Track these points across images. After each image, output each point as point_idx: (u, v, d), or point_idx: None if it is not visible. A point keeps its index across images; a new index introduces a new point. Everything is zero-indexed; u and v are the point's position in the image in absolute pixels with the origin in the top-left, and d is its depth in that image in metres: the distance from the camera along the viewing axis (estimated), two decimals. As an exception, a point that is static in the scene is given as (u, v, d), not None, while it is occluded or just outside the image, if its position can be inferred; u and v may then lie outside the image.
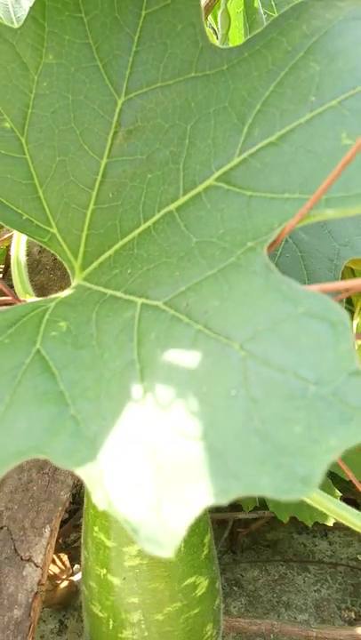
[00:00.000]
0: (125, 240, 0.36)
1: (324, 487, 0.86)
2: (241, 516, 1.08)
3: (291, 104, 0.31)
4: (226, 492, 0.21)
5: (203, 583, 0.55)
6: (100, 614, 0.55)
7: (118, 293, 0.33)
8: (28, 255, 0.48)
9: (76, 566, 0.98)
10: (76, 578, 0.96)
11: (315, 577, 1.07)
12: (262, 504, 0.98)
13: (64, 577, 0.95)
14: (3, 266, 0.83)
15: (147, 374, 0.27)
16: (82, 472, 0.24)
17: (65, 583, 0.94)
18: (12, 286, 0.45)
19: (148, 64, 0.35)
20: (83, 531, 0.58)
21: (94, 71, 0.35)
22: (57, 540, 0.76)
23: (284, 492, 0.21)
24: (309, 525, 0.91)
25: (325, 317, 0.24)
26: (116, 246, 0.36)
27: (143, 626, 0.53)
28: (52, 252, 0.38)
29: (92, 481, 0.24)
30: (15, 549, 0.57)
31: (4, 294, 0.43)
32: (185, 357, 0.26)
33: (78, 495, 1.06)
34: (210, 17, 0.76)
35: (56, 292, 0.46)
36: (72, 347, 0.30)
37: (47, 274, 0.71)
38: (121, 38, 0.35)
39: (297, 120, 0.31)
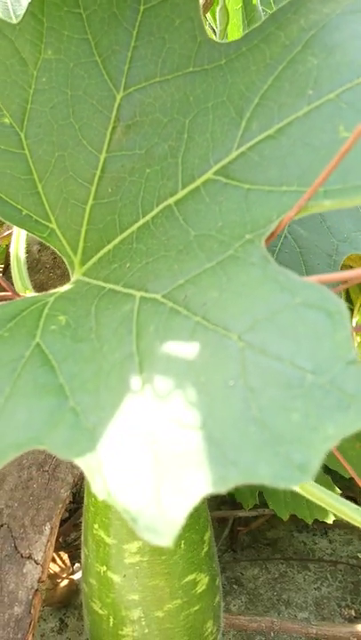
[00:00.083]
0: (124, 234, 0.36)
1: (324, 485, 0.86)
2: (241, 514, 1.08)
3: (289, 97, 0.31)
4: (224, 481, 0.21)
5: (203, 580, 0.55)
6: (101, 612, 0.55)
7: (117, 287, 0.33)
8: (27, 254, 0.48)
9: (77, 565, 0.98)
10: (77, 576, 0.96)
11: (315, 575, 1.07)
12: (262, 502, 0.98)
13: (64, 576, 0.94)
14: (2, 265, 0.83)
15: (145, 366, 0.27)
16: (81, 462, 0.24)
17: (65, 582, 0.94)
18: (11, 283, 0.45)
19: (146, 59, 0.35)
20: (83, 528, 0.57)
21: (93, 66, 0.36)
22: (57, 539, 0.76)
23: (281, 480, 0.21)
24: (309, 523, 0.91)
25: (322, 307, 0.24)
26: (116, 241, 0.36)
27: (143, 623, 0.53)
28: (52, 247, 0.38)
29: (91, 471, 0.24)
30: (15, 547, 0.57)
31: (4, 290, 0.43)
32: (183, 349, 0.26)
33: (78, 494, 1.06)
34: (208, 15, 0.76)
35: (56, 289, 0.46)
36: (71, 340, 0.30)
37: (47, 272, 0.71)
38: (119, 33, 0.35)
39: (295, 113, 0.31)
